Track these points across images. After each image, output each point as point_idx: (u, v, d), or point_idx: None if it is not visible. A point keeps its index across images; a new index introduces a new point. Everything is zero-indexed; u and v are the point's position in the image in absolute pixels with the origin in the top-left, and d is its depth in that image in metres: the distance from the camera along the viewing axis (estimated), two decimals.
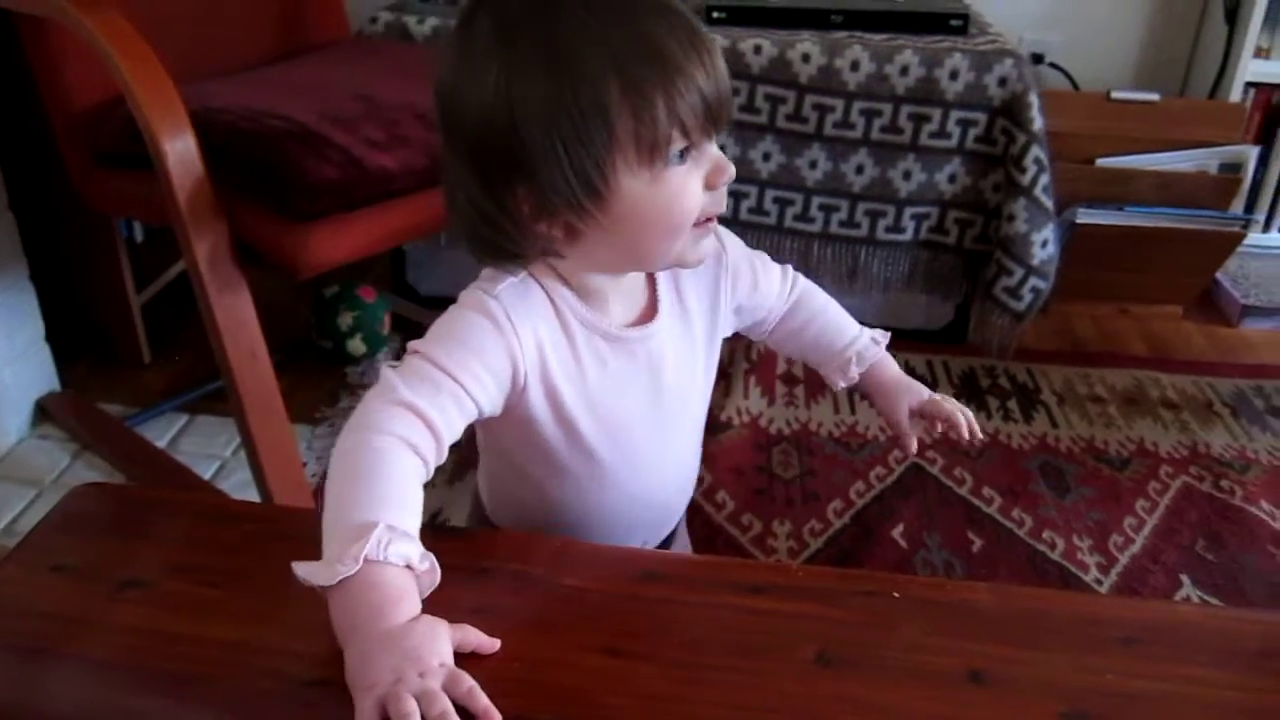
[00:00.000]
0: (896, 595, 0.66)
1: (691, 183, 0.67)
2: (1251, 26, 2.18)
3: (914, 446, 0.90)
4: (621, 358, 0.74)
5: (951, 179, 1.85)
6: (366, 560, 0.57)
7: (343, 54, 1.67)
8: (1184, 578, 1.46)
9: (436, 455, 0.66)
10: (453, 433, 0.67)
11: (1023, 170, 1.78)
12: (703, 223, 0.69)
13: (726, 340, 0.84)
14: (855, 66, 1.78)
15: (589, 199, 0.65)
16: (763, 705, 0.57)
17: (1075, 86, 2.35)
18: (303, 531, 0.67)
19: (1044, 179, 1.79)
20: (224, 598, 0.65)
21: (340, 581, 0.57)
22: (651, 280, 0.77)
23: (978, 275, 1.91)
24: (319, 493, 1.49)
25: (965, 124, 1.80)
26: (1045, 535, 1.53)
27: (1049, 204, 1.81)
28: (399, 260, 2.08)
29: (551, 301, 0.72)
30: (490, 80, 0.63)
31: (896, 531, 1.52)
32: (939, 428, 0.87)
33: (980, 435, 0.86)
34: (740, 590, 0.67)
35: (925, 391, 0.89)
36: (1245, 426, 1.82)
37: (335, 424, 1.70)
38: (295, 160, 1.21)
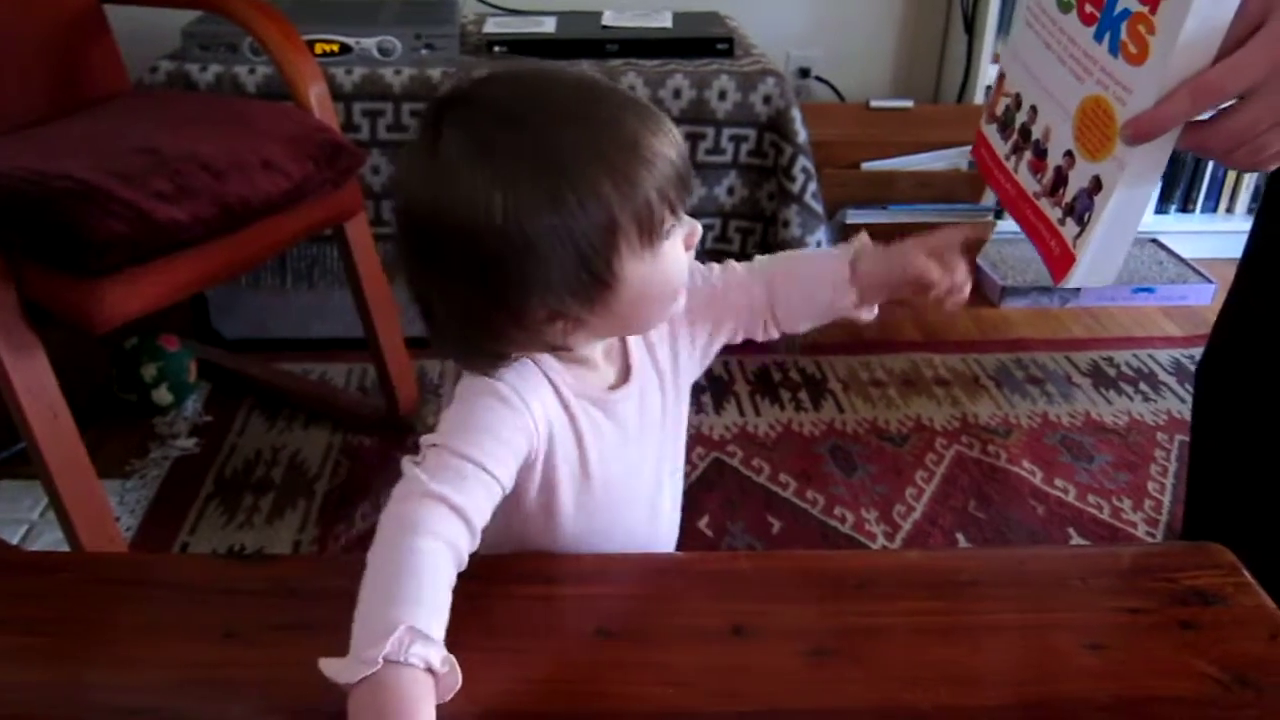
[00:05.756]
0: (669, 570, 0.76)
1: (679, 250, 0.70)
2: (987, 35, 2.41)
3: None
4: (610, 421, 0.77)
5: (730, 191, 1.99)
6: (386, 660, 0.58)
7: (123, 107, 1.67)
8: (959, 535, 1.63)
9: (470, 544, 0.67)
10: (483, 518, 0.68)
11: (792, 179, 1.93)
12: None
13: None
14: (632, 91, 1.89)
15: (600, 292, 0.67)
16: (550, 676, 0.66)
17: (840, 97, 2.54)
18: (118, 575, 0.72)
19: (812, 186, 1.95)
20: (44, 643, 0.68)
21: (360, 680, 0.58)
22: (624, 341, 0.79)
23: None
24: (134, 545, 1.50)
25: (737, 140, 1.94)
26: (836, 511, 1.67)
27: (819, 209, 1.97)
28: (201, 306, 2.07)
29: (547, 377, 0.73)
30: (481, 195, 0.63)
31: (703, 523, 1.63)
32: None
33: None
34: (535, 580, 0.75)
35: (915, 245, 0.79)
36: (1007, 395, 2.02)
37: (146, 475, 1.70)
38: (81, 218, 1.22)
